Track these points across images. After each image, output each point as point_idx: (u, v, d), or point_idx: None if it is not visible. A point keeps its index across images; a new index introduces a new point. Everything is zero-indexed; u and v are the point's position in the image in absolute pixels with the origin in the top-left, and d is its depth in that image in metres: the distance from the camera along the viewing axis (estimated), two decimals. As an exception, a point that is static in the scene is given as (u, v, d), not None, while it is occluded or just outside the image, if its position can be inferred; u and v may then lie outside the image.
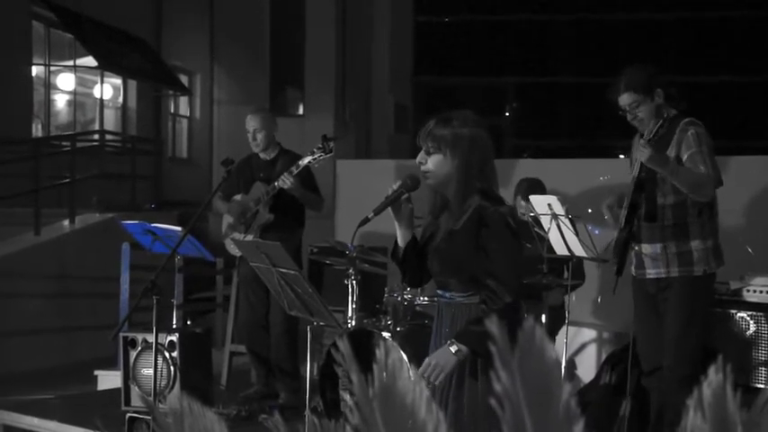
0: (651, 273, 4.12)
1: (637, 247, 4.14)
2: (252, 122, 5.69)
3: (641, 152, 3.89)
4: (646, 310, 4.23)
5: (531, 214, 5.00)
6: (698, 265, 4.04)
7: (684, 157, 3.99)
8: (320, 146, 5.32)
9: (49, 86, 13.25)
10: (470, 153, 2.95)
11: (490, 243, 2.89)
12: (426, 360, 2.90)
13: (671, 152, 4.02)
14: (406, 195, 3.04)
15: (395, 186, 3.03)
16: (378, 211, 3.02)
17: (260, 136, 5.66)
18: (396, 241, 3.14)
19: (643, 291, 4.21)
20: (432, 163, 2.98)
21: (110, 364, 6.44)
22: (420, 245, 3.13)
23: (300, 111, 16.97)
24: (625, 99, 4.11)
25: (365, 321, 4.94)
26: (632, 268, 4.22)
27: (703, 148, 3.98)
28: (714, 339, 4.79)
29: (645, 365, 4.29)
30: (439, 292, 3.14)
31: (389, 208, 3.04)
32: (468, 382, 2.91)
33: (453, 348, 2.83)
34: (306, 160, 5.35)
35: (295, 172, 5.33)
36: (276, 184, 5.38)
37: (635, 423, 4.59)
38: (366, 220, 3.02)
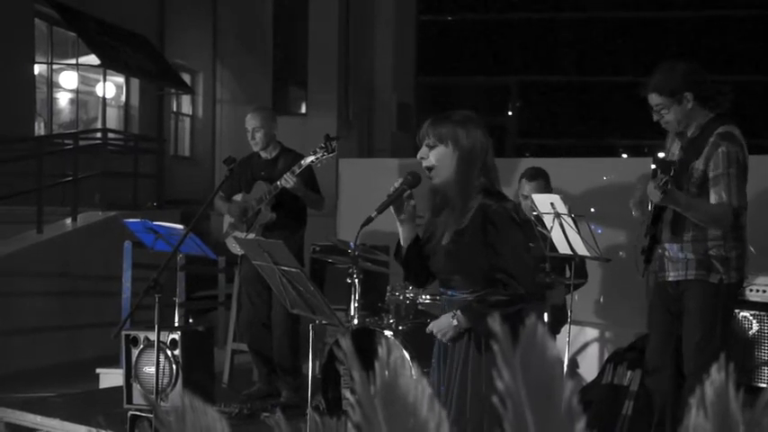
0: (671, 275, 4.06)
1: (660, 250, 4.10)
2: (251, 121, 5.70)
3: (653, 193, 3.74)
4: (661, 312, 4.19)
5: (534, 213, 5.00)
6: (714, 272, 3.95)
7: (711, 174, 3.87)
8: (323, 145, 5.32)
9: (51, 85, 13.27)
10: (471, 146, 2.98)
11: (498, 240, 2.92)
12: (432, 323, 3.08)
13: (699, 165, 3.90)
14: (408, 192, 3.05)
15: (396, 184, 3.04)
16: (380, 210, 3.03)
17: (259, 135, 5.66)
18: (398, 241, 3.15)
19: (662, 292, 4.16)
20: (434, 157, 3.00)
21: (112, 363, 6.45)
22: (422, 244, 3.14)
23: (303, 109, 16.98)
24: (652, 99, 3.98)
25: (367, 320, 4.94)
26: (655, 268, 4.18)
27: (731, 170, 3.83)
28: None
29: (648, 365, 4.27)
30: (442, 289, 3.15)
31: (391, 207, 3.06)
32: (473, 356, 2.96)
33: (453, 319, 2.96)
34: (309, 159, 5.34)
35: (298, 171, 5.32)
36: (279, 183, 5.38)
37: (637, 422, 4.59)
38: (369, 220, 3.04)
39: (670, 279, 4.07)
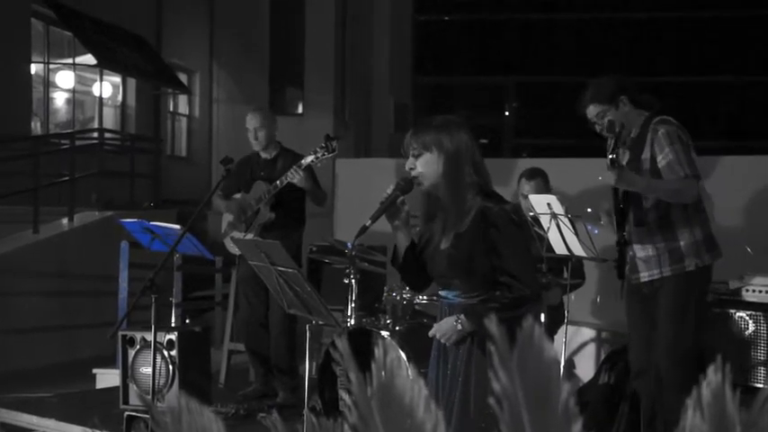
0: (644, 276, 4.11)
1: (631, 252, 4.14)
2: (253, 121, 5.69)
3: (610, 176, 3.87)
4: (638, 313, 4.23)
5: (531, 213, 5.00)
6: (689, 259, 4.02)
7: (659, 158, 4.00)
8: (323, 145, 5.31)
9: (48, 84, 13.25)
10: (457, 149, 2.98)
11: (500, 242, 2.91)
12: (435, 326, 3.07)
13: (645, 154, 4.04)
14: (401, 198, 3.05)
15: (389, 190, 3.04)
16: (375, 218, 3.03)
17: (261, 134, 5.66)
18: (395, 246, 3.15)
19: (637, 294, 4.20)
20: (421, 165, 3.00)
21: (108, 363, 6.44)
22: (418, 250, 3.13)
23: (300, 110, 16.96)
24: (591, 111, 4.17)
25: (364, 320, 4.94)
26: (626, 272, 4.21)
27: (676, 147, 3.97)
28: (712, 339, 4.79)
29: (633, 367, 4.29)
30: (441, 293, 3.14)
31: (385, 214, 3.06)
32: (477, 359, 2.96)
33: (458, 323, 2.95)
34: (309, 159, 5.34)
35: (304, 165, 5.34)
36: (283, 179, 5.38)
37: (633, 423, 4.59)
38: (364, 229, 3.04)
39: (644, 280, 4.11)
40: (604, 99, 4.13)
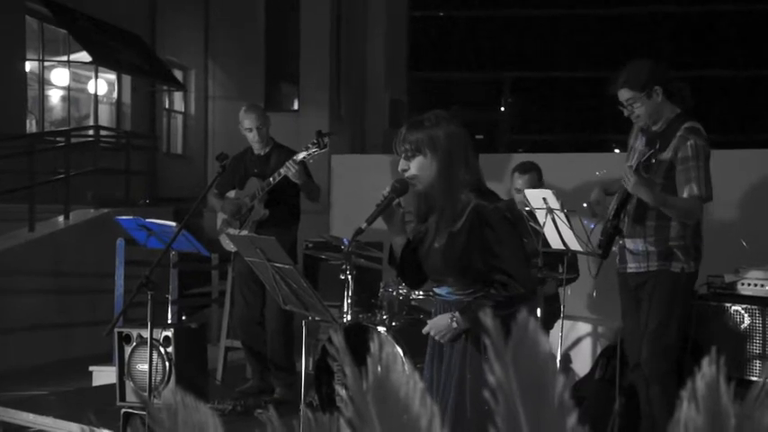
0: (631, 267, 4.14)
1: (621, 242, 4.15)
2: (251, 120, 5.68)
3: (626, 180, 3.85)
4: (629, 306, 4.25)
5: (527, 208, 5.00)
6: (676, 262, 4.02)
7: (679, 166, 3.95)
8: (315, 141, 5.32)
9: (43, 82, 13.22)
10: (450, 147, 2.95)
11: (495, 242, 2.90)
12: (429, 323, 3.06)
13: (665, 156, 3.99)
14: (396, 201, 3.05)
15: (384, 193, 3.03)
16: (371, 221, 3.02)
17: (263, 132, 5.68)
18: (391, 246, 3.15)
19: (626, 286, 4.22)
20: (414, 167, 2.98)
21: (105, 360, 6.44)
22: (412, 248, 3.13)
23: (295, 106, 16.95)
24: (622, 95, 4.07)
25: (360, 316, 4.94)
26: (616, 262, 4.23)
27: (700, 163, 3.92)
28: (708, 332, 4.80)
29: (630, 360, 4.31)
30: (436, 290, 3.14)
31: (381, 216, 3.06)
32: (472, 356, 2.96)
33: (453, 321, 2.94)
34: (300, 156, 5.35)
35: (299, 159, 5.34)
36: (280, 171, 5.38)
37: (628, 417, 4.60)
38: (360, 231, 3.04)
39: (630, 271, 4.12)
40: (637, 86, 4.01)
